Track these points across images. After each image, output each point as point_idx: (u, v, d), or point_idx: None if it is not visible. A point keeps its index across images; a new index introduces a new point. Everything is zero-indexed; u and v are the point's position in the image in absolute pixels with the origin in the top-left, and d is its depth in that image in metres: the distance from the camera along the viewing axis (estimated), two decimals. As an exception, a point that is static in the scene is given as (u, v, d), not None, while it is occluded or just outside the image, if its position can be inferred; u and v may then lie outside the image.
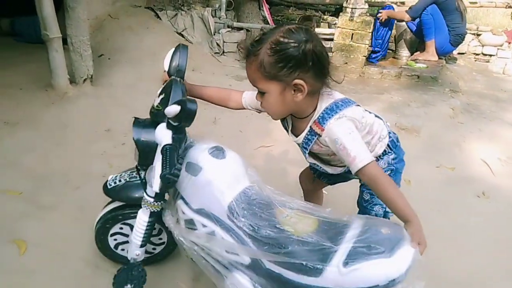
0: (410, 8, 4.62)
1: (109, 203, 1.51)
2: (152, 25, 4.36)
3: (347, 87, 4.14)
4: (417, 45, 5.08)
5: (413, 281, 0.92)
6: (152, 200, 1.25)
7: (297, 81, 1.04)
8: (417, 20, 4.63)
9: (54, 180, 2.10)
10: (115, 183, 1.42)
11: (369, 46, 4.53)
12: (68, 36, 2.83)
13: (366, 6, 4.47)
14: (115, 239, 1.54)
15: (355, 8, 4.38)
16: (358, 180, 1.36)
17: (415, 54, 4.99)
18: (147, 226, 1.30)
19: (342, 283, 0.93)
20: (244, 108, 1.38)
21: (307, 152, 1.24)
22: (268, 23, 5.13)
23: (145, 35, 4.13)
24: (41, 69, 3.15)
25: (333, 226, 1.04)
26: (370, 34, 4.42)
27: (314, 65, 1.04)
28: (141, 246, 1.34)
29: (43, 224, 1.77)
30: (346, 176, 1.40)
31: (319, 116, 1.13)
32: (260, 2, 4.96)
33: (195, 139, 1.28)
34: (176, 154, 1.06)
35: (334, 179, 1.53)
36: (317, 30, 5.02)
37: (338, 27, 4.50)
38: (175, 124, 1.11)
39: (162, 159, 1.03)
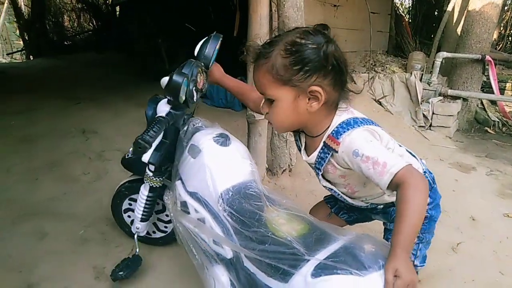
0: None
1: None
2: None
3: None
4: None
5: None
6: (151, 174, 1.35)
7: (313, 87, 0.93)
8: None
9: None
10: (129, 155, 1.47)
11: None
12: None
13: None
14: (129, 216, 1.61)
15: None
16: (381, 223, 1.23)
17: None
18: (147, 200, 1.42)
19: None
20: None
21: (320, 173, 1.08)
22: (492, 92, 3.91)
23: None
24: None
25: (322, 235, 0.95)
26: None
27: (334, 70, 0.93)
28: (142, 220, 1.46)
29: None
30: (368, 214, 1.22)
31: (334, 130, 0.99)
32: (485, 64, 3.82)
33: (206, 125, 1.27)
34: (162, 126, 1.14)
35: (355, 216, 1.30)
36: None
37: None
38: (169, 97, 1.17)
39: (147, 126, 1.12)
